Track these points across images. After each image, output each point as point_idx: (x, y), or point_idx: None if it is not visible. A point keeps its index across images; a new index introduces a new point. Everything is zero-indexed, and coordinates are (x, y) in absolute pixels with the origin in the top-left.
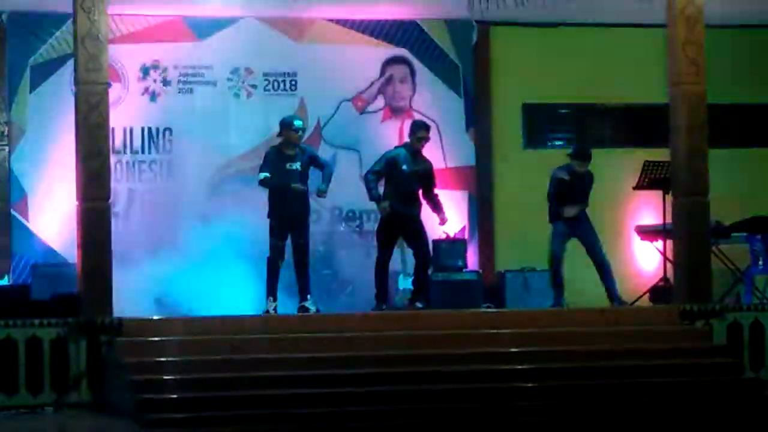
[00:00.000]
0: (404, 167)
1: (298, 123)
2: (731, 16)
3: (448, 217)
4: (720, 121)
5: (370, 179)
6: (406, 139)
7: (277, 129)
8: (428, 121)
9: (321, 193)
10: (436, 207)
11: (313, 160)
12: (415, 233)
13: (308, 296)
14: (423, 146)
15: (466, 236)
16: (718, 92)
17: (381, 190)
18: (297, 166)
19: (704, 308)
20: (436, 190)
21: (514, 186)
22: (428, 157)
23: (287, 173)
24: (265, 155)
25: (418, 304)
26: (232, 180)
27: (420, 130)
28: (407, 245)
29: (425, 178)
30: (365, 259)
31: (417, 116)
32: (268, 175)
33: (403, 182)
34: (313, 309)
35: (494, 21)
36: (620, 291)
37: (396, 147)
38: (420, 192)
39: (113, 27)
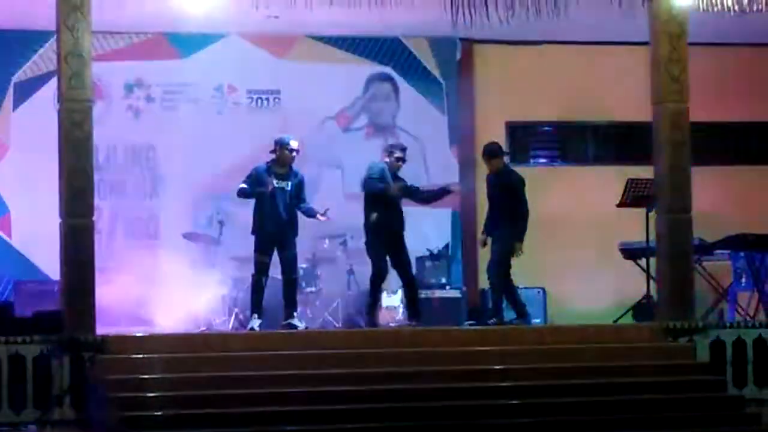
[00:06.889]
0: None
1: (294, 144)
2: (716, 34)
3: (433, 234)
4: (703, 138)
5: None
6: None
7: (261, 146)
8: (412, 139)
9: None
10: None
11: (301, 188)
12: (399, 254)
13: (294, 313)
14: (400, 168)
15: (450, 253)
16: (702, 110)
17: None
18: (285, 185)
19: (687, 325)
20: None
21: None
22: (411, 174)
23: (274, 190)
24: (253, 169)
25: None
26: (216, 197)
27: (399, 151)
28: (391, 265)
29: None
30: (349, 276)
31: (400, 134)
32: (245, 186)
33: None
34: (300, 326)
35: (478, 39)
36: (604, 308)
37: (379, 162)
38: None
39: (97, 44)
